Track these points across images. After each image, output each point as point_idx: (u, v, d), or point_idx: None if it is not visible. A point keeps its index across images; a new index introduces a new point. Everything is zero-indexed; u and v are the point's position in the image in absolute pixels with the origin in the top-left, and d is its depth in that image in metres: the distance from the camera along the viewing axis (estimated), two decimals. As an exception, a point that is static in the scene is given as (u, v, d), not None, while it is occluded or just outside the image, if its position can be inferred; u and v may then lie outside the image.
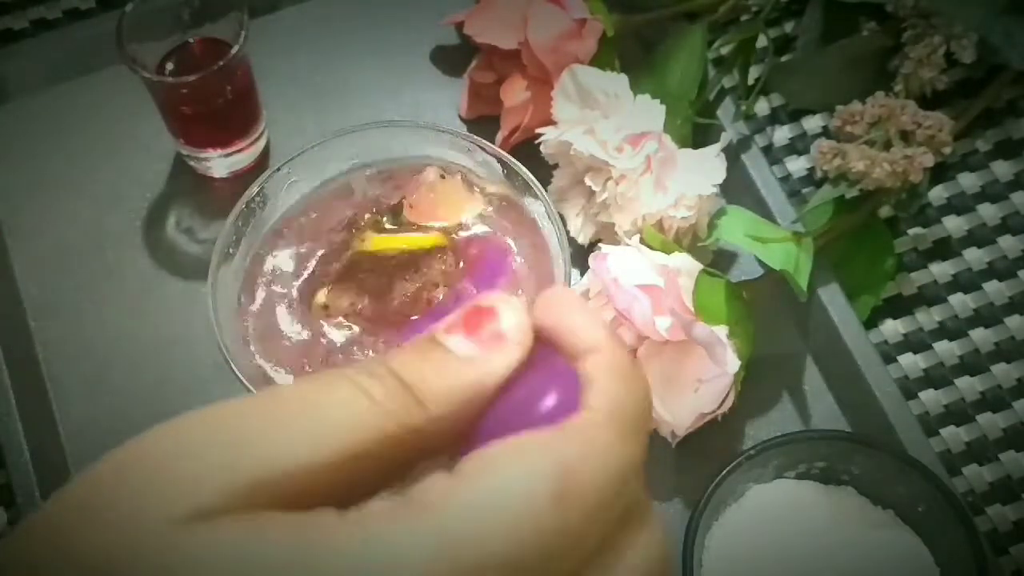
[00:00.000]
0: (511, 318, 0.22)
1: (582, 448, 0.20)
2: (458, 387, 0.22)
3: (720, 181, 0.58)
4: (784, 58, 0.69)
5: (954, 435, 0.59)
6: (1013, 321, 0.62)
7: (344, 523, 0.19)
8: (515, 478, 0.20)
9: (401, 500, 0.20)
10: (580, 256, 0.58)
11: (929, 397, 0.60)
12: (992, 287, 0.62)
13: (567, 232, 0.58)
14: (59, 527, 0.19)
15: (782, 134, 0.68)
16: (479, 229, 0.53)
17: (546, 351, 0.23)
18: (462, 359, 0.22)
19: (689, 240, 0.58)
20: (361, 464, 0.21)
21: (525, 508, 0.19)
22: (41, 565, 0.19)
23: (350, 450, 0.20)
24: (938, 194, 0.65)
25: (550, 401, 0.21)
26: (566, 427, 0.21)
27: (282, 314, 0.52)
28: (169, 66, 0.61)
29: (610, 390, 0.22)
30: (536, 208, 0.54)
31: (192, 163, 0.65)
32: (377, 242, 0.52)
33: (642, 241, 0.55)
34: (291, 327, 0.52)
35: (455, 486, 0.20)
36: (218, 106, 0.61)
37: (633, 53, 0.65)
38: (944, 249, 0.64)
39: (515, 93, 0.61)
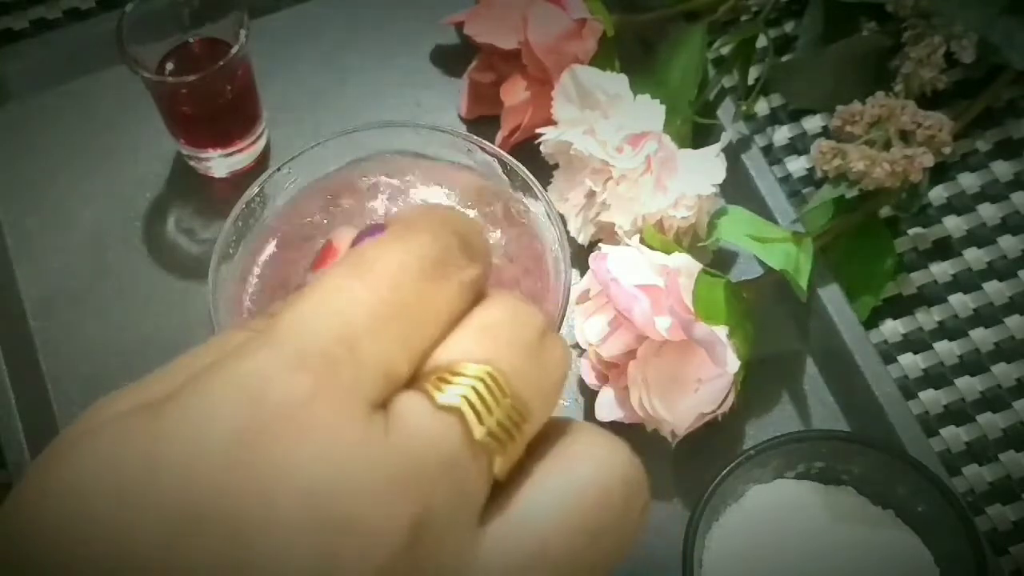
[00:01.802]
0: (346, 241, 0.26)
1: (375, 243, 0.24)
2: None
3: (720, 181, 0.58)
4: (784, 58, 0.69)
5: (954, 435, 0.59)
6: (1013, 321, 0.62)
7: (204, 369, 0.22)
8: (318, 284, 0.23)
9: (240, 344, 0.22)
10: (580, 256, 0.58)
11: (929, 397, 0.60)
12: (992, 287, 0.62)
13: (567, 232, 0.58)
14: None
15: (782, 134, 0.68)
16: None
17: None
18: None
19: (689, 240, 0.58)
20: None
21: (328, 293, 0.22)
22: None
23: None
24: (938, 194, 0.65)
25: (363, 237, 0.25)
26: (370, 241, 0.24)
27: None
28: (169, 66, 0.61)
29: (400, 219, 0.25)
30: (536, 208, 0.53)
31: (192, 163, 0.65)
32: None
33: (642, 241, 0.55)
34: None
35: (276, 315, 0.22)
36: (218, 106, 0.61)
37: (633, 53, 0.65)
38: (944, 249, 0.64)
39: (515, 93, 0.61)
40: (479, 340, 0.23)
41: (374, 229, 0.25)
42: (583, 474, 0.23)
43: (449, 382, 0.22)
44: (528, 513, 0.22)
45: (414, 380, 0.22)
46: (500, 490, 0.22)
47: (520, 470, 0.23)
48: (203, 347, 0.24)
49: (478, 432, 0.22)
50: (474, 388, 0.22)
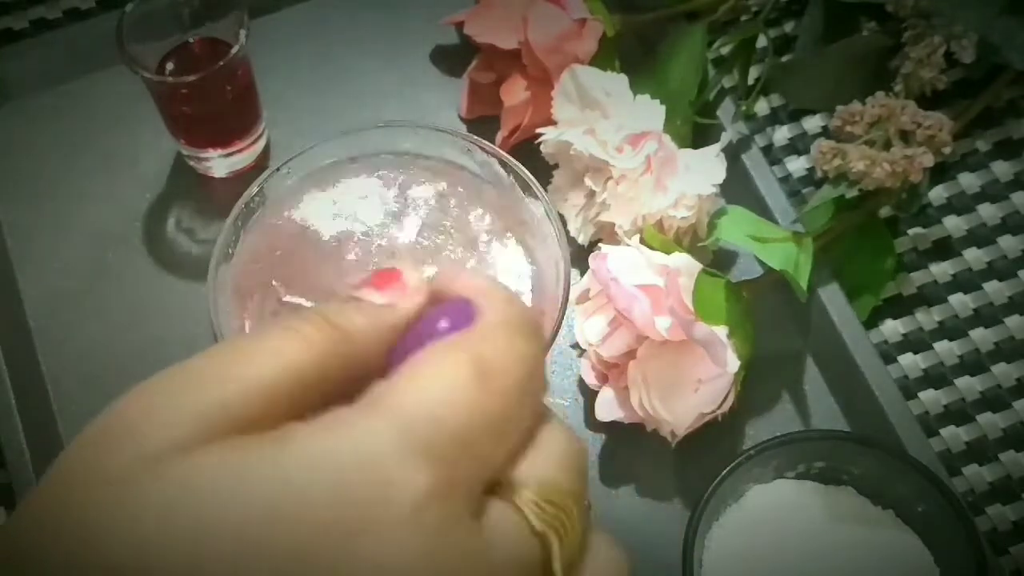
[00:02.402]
0: (413, 275, 0.27)
1: (485, 342, 0.24)
2: (376, 322, 0.26)
3: (720, 181, 0.58)
4: (784, 58, 0.69)
5: (954, 435, 0.59)
6: (1013, 321, 0.62)
7: (310, 429, 0.22)
8: (440, 369, 0.23)
9: (350, 407, 0.22)
10: (580, 256, 0.58)
11: (929, 397, 0.60)
12: (992, 287, 0.62)
13: (567, 232, 0.58)
14: (46, 499, 0.21)
15: (782, 134, 0.68)
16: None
17: (444, 302, 0.27)
18: (380, 305, 0.26)
19: (689, 240, 0.58)
20: (307, 391, 0.23)
21: (456, 390, 0.23)
22: (31, 545, 0.21)
23: (292, 378, 0.23)
24: (938, 194, 0.65)
25: (445, 323, 0.25)
26: (466, 333, 0.25)
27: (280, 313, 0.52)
28: (169, 66, 0.61)
29: (496, 306, 0.25)
30: (536, 208, 0.53)
31: (192, 163, 0.65)
32: None
33: (642, 241, 0.55)
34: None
35: (393, 385, 0.23)
36: (218, 106, 0.61)
37: (633, 53, 0.65)
38: (944, 249, 0.64)
39: (515, 93, 0.61)
40: (563, 470, 0.24)
41: (460, 312, 0.25)
42: None
43: (543, 507, 0.23)
44: None
45: (502, 486, 0.24)
46: None
47: None
48: (242, 346, 0.24)
49: (557, 564, 0.23)
50: (562, 520, 0.23)
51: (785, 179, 0.66)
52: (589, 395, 0.58)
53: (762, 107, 0.68)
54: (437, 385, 0.23)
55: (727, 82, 0.65)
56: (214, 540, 0.20)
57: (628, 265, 0.53)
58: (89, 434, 0.22)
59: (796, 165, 0.66)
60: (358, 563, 0.20)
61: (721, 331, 0.52)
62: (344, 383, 0.24)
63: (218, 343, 0.25)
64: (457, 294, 0.26)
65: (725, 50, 0.65)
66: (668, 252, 0.55)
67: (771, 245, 0.56)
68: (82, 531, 0.20)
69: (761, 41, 0.65)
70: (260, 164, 0.65)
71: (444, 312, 0.26)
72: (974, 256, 0.63)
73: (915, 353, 0.61)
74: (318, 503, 0.20)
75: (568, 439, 0.25)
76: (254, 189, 0.53)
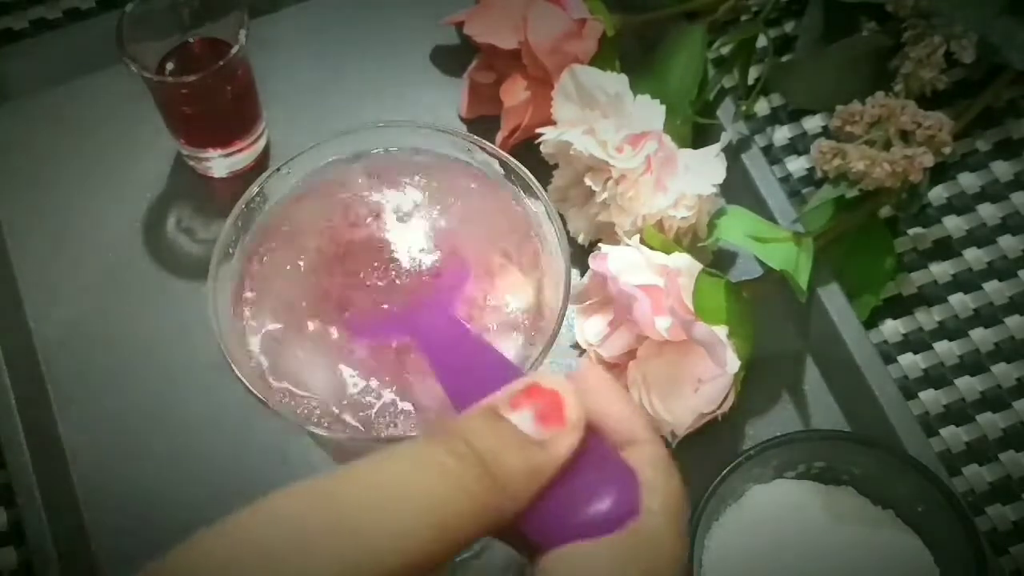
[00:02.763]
0: (575, 409, 0.24)
1: (651, 551, 0.22)
2: (531, 469, 0.23)
3: (720, 181, 0.58)
4: (784, 58, 0.69)
5: (954, 435, 0.59)
6: (1013, 321, 0.62)
7: None
8: None
9: None
10: (580, 256, 0.58)
11: (929, 397, 0.60)
12: (992, 287, 0.63)
13: (567, 232, 0.58)
14: None
15: (782, 134, 0.68)
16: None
17: (593, 436, 0.24)
18: (534, 442, 0.23)
19: (689, 240, 0.58)
20: (450, 543, 0.22)
21: None
22: None
23: (444, 534, 0.21)
24: (938, 194, 0.65)
25: (609, 501, 0.23)
26: (632, 531, 0.23)
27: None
28: (169, 66, 0.61)
29: (662, 489, 0.24)
30: (536, 208, 0.53)
31: (192, 163, 0.65)
32: None
33: (642, 241, 0.55)
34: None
35: None
36: (218, 106, 0.61)
37: (633, 53, 0.65)
38: (944, 249, 0.64)
39: (515, 93, 0.61)
40: None
41: (619, 473, 0.24)
42: None
43: None
44: None
45: None
46: None
47: None
48: (391, 476, 0.22)
49: None
50: None
51: (785, 179, 0.66)
52: (589, 395, 0.58)
53: (762, 107, 0.68)
54: None
55: (727, 82, 0.65)
56: None
57: (628, 265, 0.53)
58: None
59: (796, 165, 0.66)
60: None
61: (721, 331, 0.52)
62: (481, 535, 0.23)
63: (352, 469, 0.22)
64: (611, 432, 0.24)
65: (725, 50, 0.65)
66: (668, 252, 0.55)
67: (771, 245, 0.56)
68: None
69: (761, 41, 0.65)
70: (260, 164, 0.65)
71: (605, 485, 0.23)
72: (974, 256, 0.63)
73: (915, 353, 0.61)
74: None
75: None
76: (254, 189, 0.53)
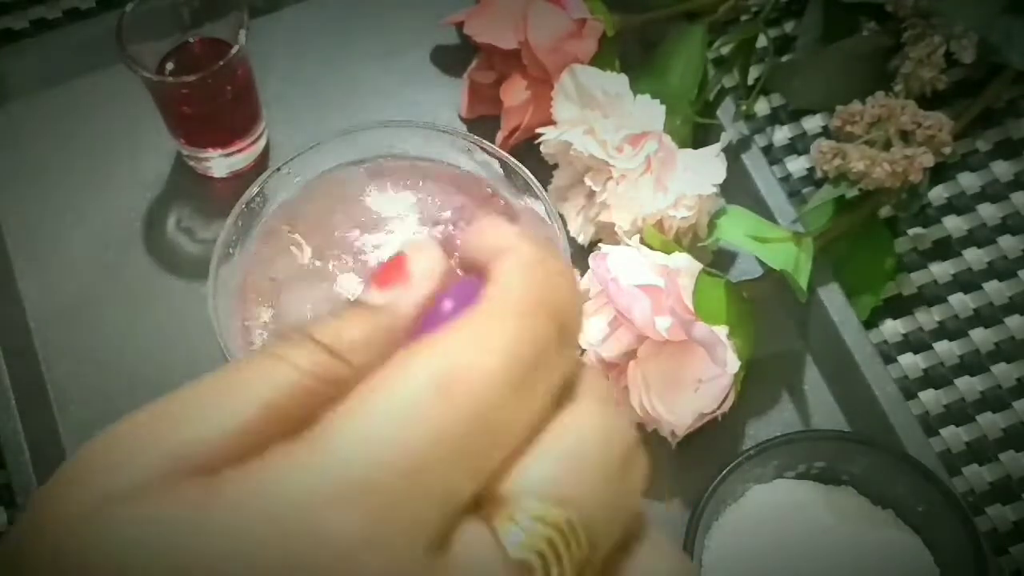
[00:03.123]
0: (419, 260, 0.23)
1: (463, 337, 0.20)
2: (373, 335, 0.22)
3: (720, 181, 0.58)
4: (784, 58, 0.69)
5: (954, 435, 0.59)
6: (1013, 321, 0.62)
7: (243, 473, 0.19)
8: (397, 383, 0.20)
9: (291, 442, 0.20)
10: (580, 256, 0.58)
11: (929, 397, 0.60)
12: (992, 287, 0.62)
13: (567, 232, 0.58)
14: (13, 535, 0.20)
15: (782, 134, 0.68)
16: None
17: (471, 276, 0.23)
18: (373, 308, 0.22)
19: (689, 240, 0.58)
20: (285, 422, 0.21)
21: (409, 410, 0.19)
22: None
23: (269, 410, 0.21)
24: (938, 194, 0.65)
25: (449, 304, 0.22)
26: (451, 325, 0.21)
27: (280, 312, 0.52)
28: (169, 66, 0.61)
29: (504, 279, 0.22)
30: (536, 208, 0.53)
31: (192, 163, 0.65)
32: None
33: (642, 241, 0.55)
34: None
35: (346, 410, 0.20)
36: (218, 106, 0.61)
37: (633, 53, 0.65)
38: (944, 249, 0.64)
39: (515, 93, 0.61)
40: (564, 471, 0.21)
41: (469, 286, 0.22)
42: None
43: (523, 527, 0.20)
44: None
45: (481, 501, 0.20)
46: None
47: None
48: (234, 377, 0.21)
49: None
50: (550, 540, 0.20)
51: (785, 179, 0.66)
52: (589, 395, 0.58)
53: (762, 107, 0.68)
54: (383, 408, 0.19)
55: (727, 82, 0.65)
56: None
57: (628, 265, 0.53)
58: (61, 472, 0.21)
59: (796, 165, 0.66)
60: None
61: (721, 331, 0.52)
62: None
63: (200, 377, 0.21)
64: (483, 259, 0.22)
65: (725, 50, 0.65)
66: (668, 252, 0.55)
67: (771, 245, 0.56)
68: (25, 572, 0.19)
69: (761, 41, 0.64)
70: (260, 164, 0.65)
71: (449, 293, 0.22)
72: (974, 256, 0.63)
73: (915, 353, 0.61)
74: (238, 555, 0.18)
75: (590, 423, 0.21)
76: (254, 189, 0.53)
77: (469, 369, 0.20)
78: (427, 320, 0.22)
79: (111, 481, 0.20)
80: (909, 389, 0.60)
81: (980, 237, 0.64)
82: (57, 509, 0.20)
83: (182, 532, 0.19)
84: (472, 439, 0.20)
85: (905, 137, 0.57)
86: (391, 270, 0.23)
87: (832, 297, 0.59)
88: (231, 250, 0.53)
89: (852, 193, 0.58)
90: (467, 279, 0.22)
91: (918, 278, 0.63)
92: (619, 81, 0.58)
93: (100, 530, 0.19)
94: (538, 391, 0.21)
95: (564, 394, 0.22)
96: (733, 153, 0.61)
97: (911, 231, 0.64)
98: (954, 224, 0.64)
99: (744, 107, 0.64)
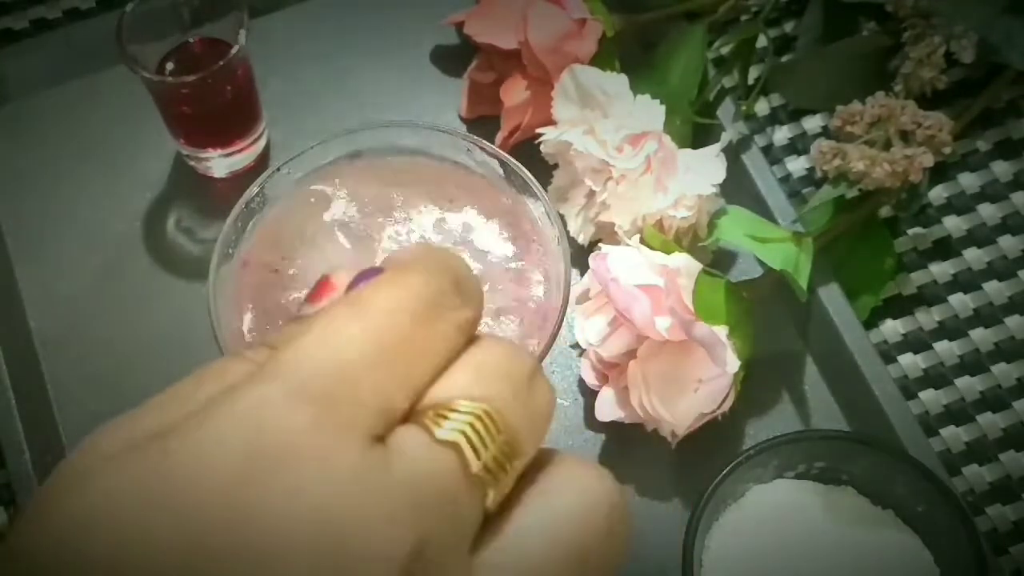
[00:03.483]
0: (341, 276, 0.27)
1: (372, 284, 0.24)
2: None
3: (720, 181, 0.58)
4: (784, 58, 0.69)
5: (954, 435, 0.59)
6: (1013, 321, 0.62)
7: (203, 408, 0.22)
8: (321, 318, 0.23)
9: (249, 376, 0.23)
10: (580, 256, 0.58)
11: (929, 397, 0.60)
12: (992, 287, 0.62)
13: (567, 232, 0.58)
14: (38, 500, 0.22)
15: (782, 134, 0.68)
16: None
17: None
18: (304, 318, 0.26)
19: (689, 240, 0.58)
20: None
21: (332, 329, 0.23)
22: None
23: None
24: (938, 194, 0.65)
25: (362, 287, 0.26)
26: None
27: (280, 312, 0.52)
28: (169, 66, 0.61)
29: (410, 255, 0.26)
30: (536, 208, 0.53)
31: (192, 163, 0.65)
32: None
33: (642, 241, 0.55)
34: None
35: (286, 340, 0.23)
36: (218, 106, 0.61)
37: (633, 53, 0.65)
38: (944, 249, 0.64)
39: (515, 93, 0.61)
40: (475, 378, 0.24)
41: (370, 272, 0.26)
42: (569, 503, 0.24)
43: (447, 417, 0.23)
44: (518, 542, 0.23)
45: (412, 415, 0.23)
46: (491, 521, 0.23)
47: (510, 502, 0.24)
48: (200, 375, 0.24)
49: (474, 466, 0.23)
50: (471, 424, 0.23)
51: (785, 179, 0.66)
52: (589, 395, 0.58)
53: (762, 107, 0.68)
54: (312, 335, 0.23)
55: (727, 82, 0.65)
56: (99, 545, 0.20)
57: (628, 265, 0.53)
58: (48, 484, 0.23)
59: (796, 165, 0.66)
60: (253, 509, 0.20)
61: (721, 331, 0.52)
62: None
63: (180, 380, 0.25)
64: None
65: (725, 50, 0.65)
66: (668, 252, 0.55)
67: (771, 245, 0.56)
68: (38, 527, 0.21)
69: (761, 41, 0.64)
70: (260, 164, 0.65)
71: (363, 276, 0.26)
72: (974, 256, 0.63)
73: (915, 353, 0.61)
74: (201, 485, 0.21)
75: (497, 349, 0.25)
76: (254, 189, 0.53)
77: (375, 301, 0.24)
78: None
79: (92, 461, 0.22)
80: (909, 389, 0.60)
81: (980, 237, 0.64)
82: (51, 506, 0.22)
83: (140, 474, 0.21)
84: (388, 353, 0.23)
85: (905, 137, 0.57)
86: (320, 288, 0.27)
87: (832, 297, 0.59)
88: (231, 250, 0.52)
89: (852, 193, 0.58)
90: (378, 267, 0.26)
91: (918, 278, 0.63)
92: (619, 81, 0.58)
93: (77, 494, 0.21)
94: (442, 325, 0.24)
95: (470, 339, 0.25)
96: (733, 153, 0.61)
97: (911, 231, 0.64)
98: (954, 224, 0.64)
99: (744, 107, 0.64)
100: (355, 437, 0.22)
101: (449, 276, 0.25)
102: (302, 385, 0.22)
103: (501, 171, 0.54)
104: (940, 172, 0.65)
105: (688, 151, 0.59)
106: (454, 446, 0.22)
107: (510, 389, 0.24)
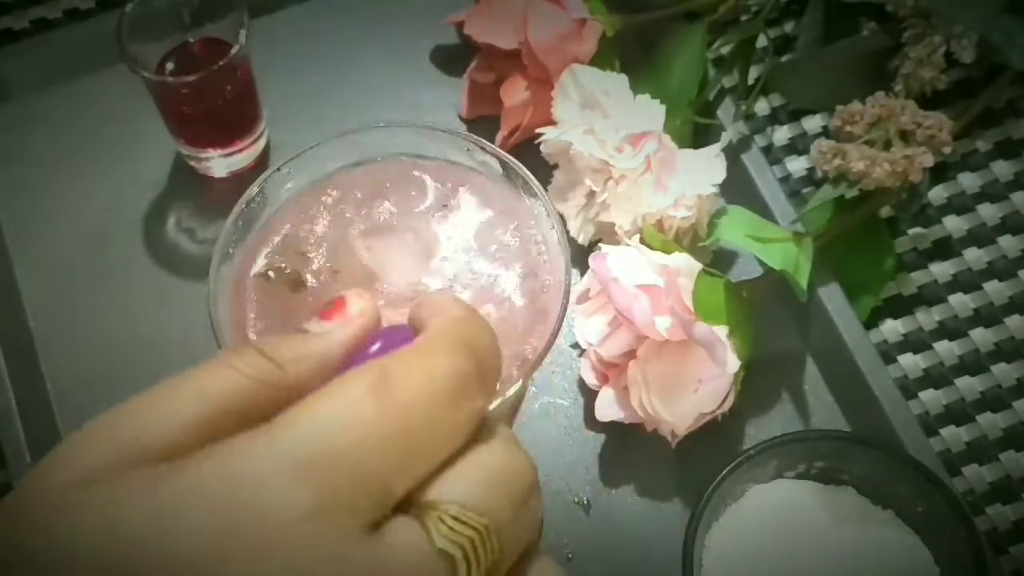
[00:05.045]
0: (355, 303, 0.27)
1: (396, 360, 0.24)
2: (308, 352, 0.26)
3: (720, 181, 0.58)
4: (784, 58, 0.69)
5: (954, 435, 0.59)
6: (1013, 321, 0.62)
7: (199, 456, 0.22)
8: (337, 390, 0.23)
9: (243, 433, 0.22)
10: (580, 256, 0.58)
11: (929, 397, 0.60)
12: (992, 287, 0.63)
13: (567, 232, 0.58)
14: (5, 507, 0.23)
15: (782, 134, 0.68)
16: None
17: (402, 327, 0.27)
18: (312, 334, 0.26)
19: (689, 240, 0.58)
20: (240, 421, 0.24)
21: (346, 409, 0.23)
22: None
23: (217, 407, 0.24)
24: (938, 194, 0.65)
25: (377, 346, 0.26)
26: (389, 355, 0.25)
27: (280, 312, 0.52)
28: (169, 66, 0.61)
29: (436, 327, 0.26)
30: (536, 208, 0.53)
31: (192, 163, 0.65)
32: None
33: (642, 241, 0.55)
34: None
35: (295, 409, 0.23)
36: (218, 106, 0.61)
37: (633, 53, 0.65)
38: (944, 249, 0.64)
39: (515, 93, 0.61)
40: (483, 489, 0.24)
41: (398, 334, 0.25)
42: None
43: (450, 526, 0.23)
44: None
45: (412, 505, 0.23)
46: None
47: None
48: (178, 382, 0.24)
49: None
50: (471, 540, 0.23)
51: (785, 179, 0.66)
52: (589, 395, 0.58)
53: (762, 107, 0.68)
54: (328, 406, 0.23)
55: (727, 82, 0.65)
56: (84, 570, 0.20)
57: (628, 265, 0.53)
58: (43, 460, 0.23)
59: (796, 165, 0.66)
60: None
61: (721, 331, 0.52)
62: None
63: (164, 379, 0.25)
64: (421, 320, 0.26)
65: (725, 50, 0.65)
66: (668, 252, 0.55)
67: (771, 245, 0.56)
68: (3, 549, 0.21)
69: (761, 41, 0.65)
70: (260, 164, 0.65)
71: (378, 336, 0.26)
72: (974, 256, 0.63)
73: (915, 353, 0.61)
74: (189, 531, 0.20)
75: (505, 457, 0.25)
76: (254, 189, 0.53)
77: (398, 382, 0.23)
78: (358, 357, 0.26)
79: (68, 471, 0.22)
80: (909, 389, 0.60)
81: (980, 237, 0.64)
82: (39, 487, 0.22)
83: (129, 512, 0.21)
84: (401, 441, 0.23)
85: (905, 137, 0.57)
86: (332, 307, 0.27)
87: (832, 297, 0.59)
88: (231, 250, 0.52)
89: (852, 193, 0.58)
90: (396, 327, 0.26)
91: (918, 278, 0.63)
92: (619, 81, 0.58)
93: (68, 508, 0.21)
94: (458, 414, 0.24)
95: (482, 429, 0.25)
96: (733, 153, 0.61)
97: (911, 231, 0.64)
98: (954, 224, 0.64)
99: (744, 107, 0.64)
100: (350, 528, 0.21)
101: (475, 359, 0.25)
102: (307, 463, 0.21)
103: (501, 171, 0.54)
104: (940, 172, 0.65)
105: (688, 151, 0.59)
106: (450, 559, 0.23)
107: (511, 505, 0.24)
